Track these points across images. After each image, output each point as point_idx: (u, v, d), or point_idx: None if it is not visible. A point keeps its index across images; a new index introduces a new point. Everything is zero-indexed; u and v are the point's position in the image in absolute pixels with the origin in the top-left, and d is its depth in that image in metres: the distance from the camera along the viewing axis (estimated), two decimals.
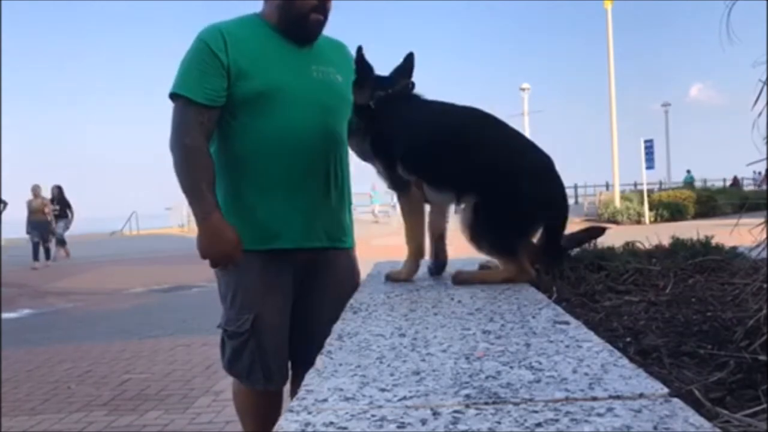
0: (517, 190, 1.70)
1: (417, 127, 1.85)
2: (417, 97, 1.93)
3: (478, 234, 1.72)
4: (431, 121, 1.86)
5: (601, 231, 2.03)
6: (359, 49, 1.91)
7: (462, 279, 1.77)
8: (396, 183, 1.86)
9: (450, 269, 1.92)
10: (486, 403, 0.80)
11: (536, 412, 0.77)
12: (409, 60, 1.97)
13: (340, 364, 1.00)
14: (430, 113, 1.89)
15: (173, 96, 1.96)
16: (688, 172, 33.31)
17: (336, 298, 1.81)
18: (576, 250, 2.04)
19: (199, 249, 1.97)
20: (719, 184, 33.77)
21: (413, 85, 1.94)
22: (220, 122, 2.00)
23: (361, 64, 1.93)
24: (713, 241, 2.14)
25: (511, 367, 0.95)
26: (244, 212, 2.01)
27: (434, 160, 1.80)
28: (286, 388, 2.16)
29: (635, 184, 29.62)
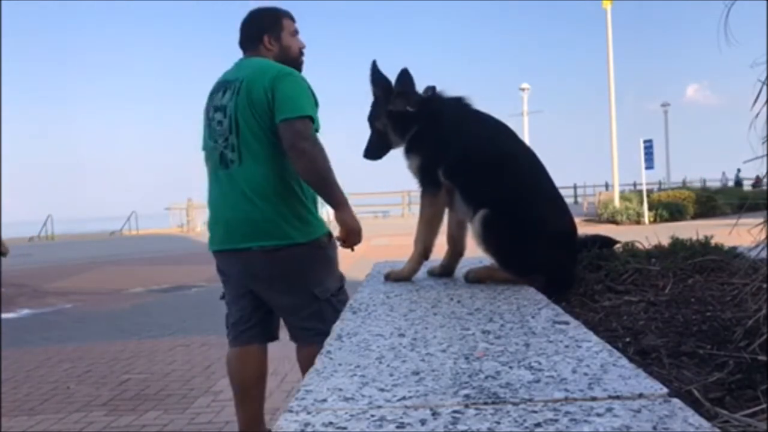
0: (540, 218, 1.76)
1: (473, 137, 1.85)
2: (468, 105, 1.93)
3: (490, 247, 1.75)
4: (488, 137, 1.87)
5: (612, 242, 2.15)
6: (374, 64, 1.93)
7: (474, 277, 1.79)
8: (428, 182, 1.88)
9: (456, 271, 1.93)
10: (485, 403, 0.80)
11: (536, 412, 0.77)
12: (404, 75, 1.92)
13: (340, 364, 1.00)
14: (488, 128, 1.90)
15: (305, 117, 2.38)
16: (739, 170, 33.23)
17: None
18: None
19: (355, 225, 2.48)
20: (717, 184, 33.76)
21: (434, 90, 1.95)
22: None
23: (378, 77, 1.93)
24: (712, 241, 2.14)
25: (511, 367, 0.95)
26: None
27: (479, 177, 1.80)
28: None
29: (635, 184, 29.60)
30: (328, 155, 2.42)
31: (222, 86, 2.52)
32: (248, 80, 2.42)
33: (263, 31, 2.62)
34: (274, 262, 2.44)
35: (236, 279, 2.60)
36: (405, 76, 1.91)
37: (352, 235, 2.47)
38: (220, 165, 2.48)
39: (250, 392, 2.65)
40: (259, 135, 2.39)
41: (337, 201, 2.43)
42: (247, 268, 2.51)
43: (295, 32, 2.71)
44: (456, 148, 1.82)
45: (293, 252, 2.44)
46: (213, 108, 2.51)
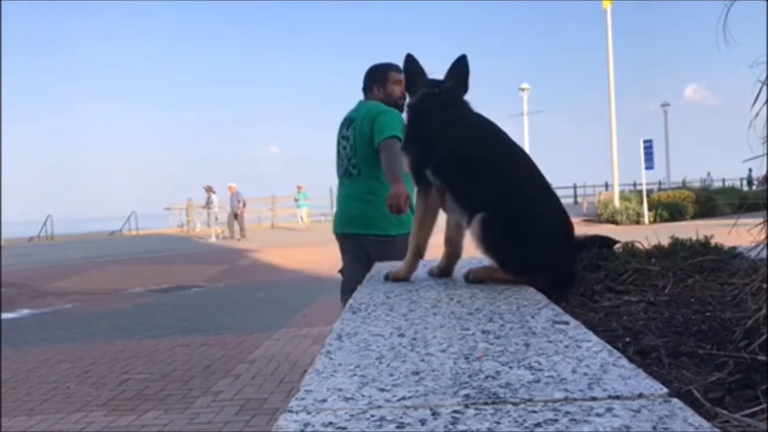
0: (532, 219, 1.74)
1: (460, 137, 1.85)
2: (466, 106, 1.94)
3: (489, 248, 1.74)
4: (476, 137, 1.87)
5: (612, 242, 2.14)
6: (408, 57, 2.07)
7: (474, 277, 1.79)
8: (418, 181, 1.91)
9: (456, 271, 1.93)
10: (485, 403, 0.80)
11: (535, 412, 0.77)
12: (461, 62, 1.98)
13: (340, 364, 1.00)
14: (476, 128, 1.90)
15: (394, 137, 3.26)
16: (750, 170, 33.44)
17: None
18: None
19: (395, 191, 3.20)
20: (717, 184, 33.85)
21: (463, 89, 1.97)
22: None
23: (411, 70, 2.04)
24: (712, 241, 2.14)
25: (511, 367, 0.95)
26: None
27: (468, 177, 1.80)
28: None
29: (634, 184, 29.65)
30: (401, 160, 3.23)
31: (348, 122, 3.61)
32: (361, 119, 3.49)
33: (372, 83, 3.69)
34: (376, 246, 3.39)
35: (350, 256, 3.56)
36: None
37: (389, 198, 3.23)
38: (344, 176, 3.59)
39: None
40: (369, 157, 3.45)
41: (394, 182, 3.30)
42: (358, 249, 3.49)
43: (399, 81, 3.57)
44: (443, 148, 1.83)
45: (390, 240, 3.38)
46: (342, 137, 3.61)
